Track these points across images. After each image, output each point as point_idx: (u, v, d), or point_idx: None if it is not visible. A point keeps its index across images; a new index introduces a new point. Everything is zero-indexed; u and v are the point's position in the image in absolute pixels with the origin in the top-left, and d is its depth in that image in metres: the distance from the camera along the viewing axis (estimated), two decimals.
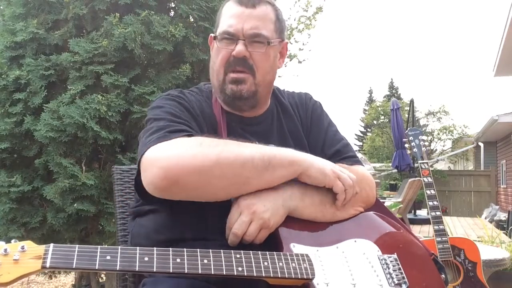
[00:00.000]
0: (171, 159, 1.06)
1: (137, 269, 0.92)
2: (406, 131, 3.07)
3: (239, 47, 1.24)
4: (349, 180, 1.17)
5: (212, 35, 1.33)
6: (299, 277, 1.02)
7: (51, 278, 4.71)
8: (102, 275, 3.98)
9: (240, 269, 0.98)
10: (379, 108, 21.44)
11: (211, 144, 1.09)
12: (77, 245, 0.91)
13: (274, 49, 1.30)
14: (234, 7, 1.27)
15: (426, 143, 2.98)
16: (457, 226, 8.76)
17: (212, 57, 1.32)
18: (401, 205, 6.58)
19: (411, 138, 2.95)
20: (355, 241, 1.16)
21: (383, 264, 1.12)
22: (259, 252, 1.03)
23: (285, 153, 1.14)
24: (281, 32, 1.32)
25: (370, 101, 38.04)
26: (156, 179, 1.06)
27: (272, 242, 1.10)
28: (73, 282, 4.73)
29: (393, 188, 13.23)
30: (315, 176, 1.14)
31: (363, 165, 1.38)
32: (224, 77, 1.27)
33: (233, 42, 1.26)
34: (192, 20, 3.29)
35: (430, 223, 2.71)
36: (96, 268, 0.90)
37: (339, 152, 1.36)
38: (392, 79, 44.96)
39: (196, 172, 1.04)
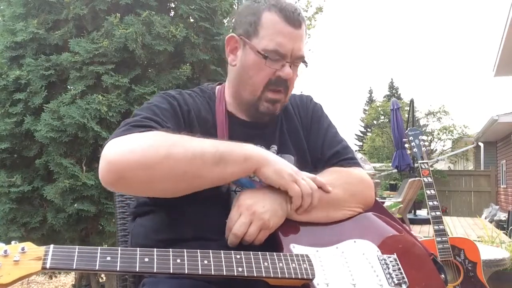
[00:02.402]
0: (118, 153, 1.05)
1: (137, 269, 0.92)
2: (406, 131, 3.07)
3: (289, 70, 1.23)
4: (308, 188, 1.13)
5: (236, 36, 1.28)
6: (299, 278, 1.03)
7: (51, 278, 4.71)
8: (102, 275, 3.99)
9: (240, 269, 0.98)
10: (379, 108, 21.45)
11: (163, 139, 1.08)
12: (77, 246, 0.91)
13: None
14: (282, 24, 1.22)
15: (426, 143, 2.98)
16: (457, 226, 8.77)
17: (247, 67, 1.26)
18: (401, 205, 6.58)
19: (411, 138, 2.94)
20: (354, 241, 1.16)
21: (383, 264, 1.13)
22: (259, 252, 1.03)
23: (242, 149, 1.11)
24: None
25: (370, 101, 38.04)
26: (103, 173, 1.06)
27: (272, 243, 1.11)
28: (73, 282, 4.74)
29: (393, 188, 13.22)
30: (268, 175, 1.12)
31: (362, 167, 1.38)
32: (261, 95, 1.26)
33: (278, 62, 1.23)
34: (192, 20, 3.30)
35: (430, 223, 2.71)
36: (96, 269, 0.90)
37: (338, 154, 1.35)
38: (392, 79, 45.01)
39: (142, 167, 1.03)
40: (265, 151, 1.16)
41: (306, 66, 1.28)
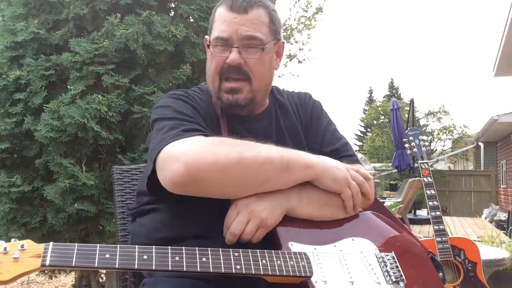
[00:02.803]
0: (194, 155, 1.06)
1: (136, 267, 0.93)
2: (406, 131, 3.08)
3: (233, 55, 1.24)
4: (357, 189, 1.20)
5: (207, 37, 1.32)
6: (297, 275, 1.03)
7: (51, 278, 4.70)
8: (103, 275, 3.99)
9: (238, 267, 0.99)
10: (379, 108, 21.45)
11: (232, 143, 1.11)
12: (76, 244, 0.91)
13: (270, 52, 1.30)
14: (226, 13, 1.26)
15: (426, 143, 2.98)
16: (457, 226, 8.76)
17: (207, 61, 1.32)
18: (401, 205, 6.58)
19: (411, 138, 2.95)
20: (352, 239, 1.17)
21: (381, 262, 1.13)
22: (258, 250, 1.03)
23: (301, 157, 1.16)
24: (276, 33, 1.32)
25: (370, 101, 38.05)
26: (177, 174, 1.06)
27: (270, 241, 1.11)
28: (73, 282, 4.73)
29: (393, 188, 13.22)
30: (327, 184, 1.17)
31: (362, 165, 1.39)
32: (220, 84, 1.27)
33: (226, 49, 1.25)
34: (192, 20, 3.30)
35: (430, 223, 2.71)
36: (95, 266, 0.90)
37: (337, 151, 1.36)
38: (392, 79, 44.90)
39: (219, 169, 1.05)
40: (318, 157, 1.19)
41: (263, 49, 1.26)
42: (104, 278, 3.88)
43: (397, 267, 1.13)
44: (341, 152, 1.36)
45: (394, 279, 1.10)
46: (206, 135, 1.14)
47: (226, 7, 1.27)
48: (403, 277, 1.11)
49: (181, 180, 1.06)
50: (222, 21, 1.26)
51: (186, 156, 1.06)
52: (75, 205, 2.96)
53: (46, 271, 3.98)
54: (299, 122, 1.40)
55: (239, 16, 1.24)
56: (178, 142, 1.10)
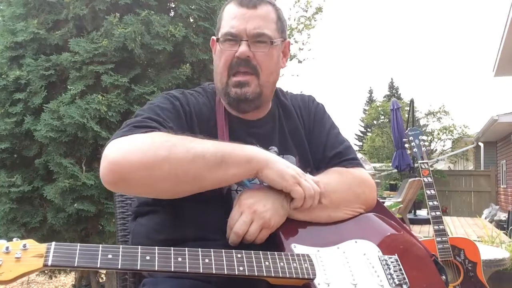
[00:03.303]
0: (119, 154, 1.06)
1: (138, 267, 0.92)
2: (406, 131, 3.07)
3: (243, 48, 1.24)
4: (311, 190, 1.13)
5: (214, 37, 1.32)
6: (300, 277, 1.03)
7: (51, 278, 4.70)
8: (103, 275, 3.98)
9: (241, 268, 0.98)
10: (379, 108, 21.46)
11: (164, 140, 1.08)
12: (78, 244, 0.91)
13: (277, 49, 1.31)
14: (235, 8, 1.27)
15: (426, 143, 2.98)
16: (457, 226, 8.76)
17: (215, 60, 1.32)
18: (401, 205, 6.58)
19: (411, 138, 2.95)
20: (355, 241, 1.16)
21: (384, 265, 1.13)
22: (260, 252, 1.03)
23: (244, 151, 1.11)
24: (283, 32, 1.33)
25: (370, 101, 38.05)
26: (104, 173, 1.06)
27: (273, 243, 1.11)
28: (73, 282, 4.74)
29: (393, 188, 13.23)
30: (271, 177, 1.11)
31: (364, 168, 1.38)
32: (227, 80, 1.27)
33: (236, 43, 1.25)
34: (192, 20, 3.30)
35: (430, 223, 2.71)
36: (98, 266, 0.90)
37: (340, 154, 1.35)
38: (392, 79, 44.97)
39: (144, 168, 1.04)
40: (267, 153, 1.15)
41: (272, 43, 1.27)
42: (104, 278, 3.88)
43: (400, 270, 1.12)
44: (344, 156, 1.35)
45: (397, 282, 1.09)
46: (153, 131, 1.11)
47: (235, 3, 1.28)
48: (406, 280, 1.10)
49: (108, 179, 1.06)
50: (232, 17, 1.27)
51: (113, 155, 1.06)
52: (75, 205, 2.96)
53: (46, 271, 3.97)
54: (303, 126, 1.39)
55: (248, 11, 1.26)
56: (115, 140, 1.10)
